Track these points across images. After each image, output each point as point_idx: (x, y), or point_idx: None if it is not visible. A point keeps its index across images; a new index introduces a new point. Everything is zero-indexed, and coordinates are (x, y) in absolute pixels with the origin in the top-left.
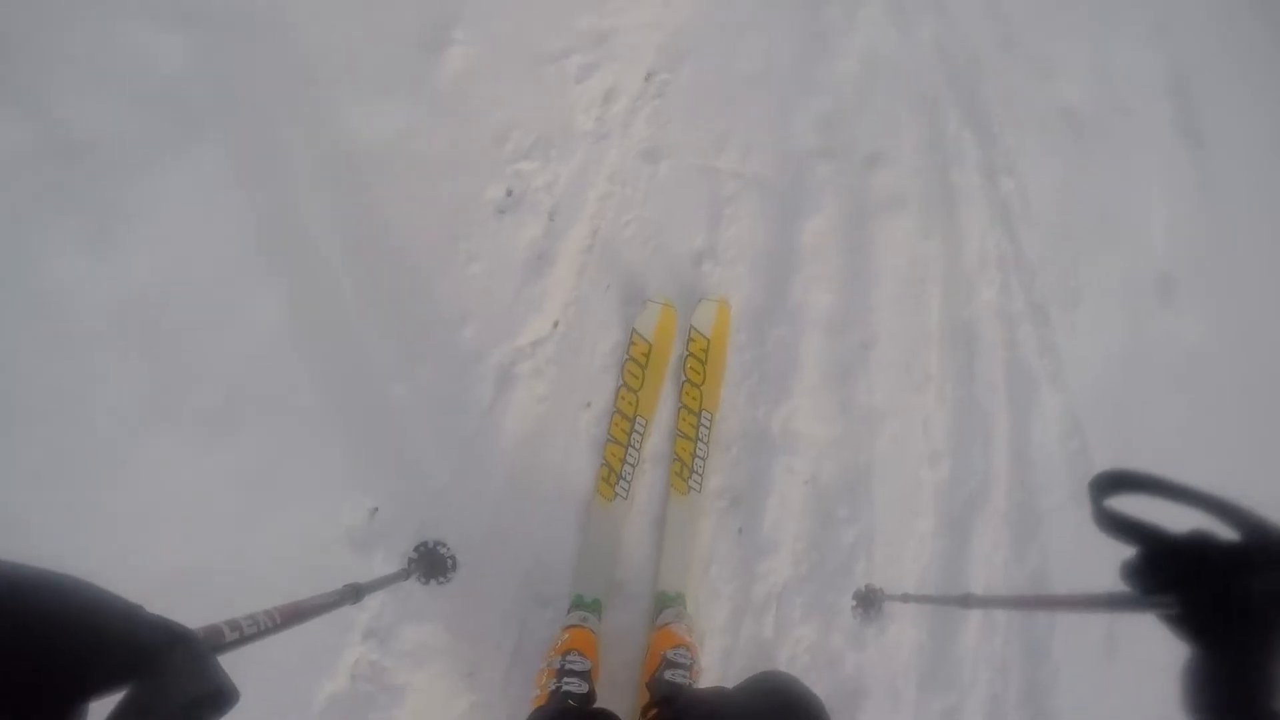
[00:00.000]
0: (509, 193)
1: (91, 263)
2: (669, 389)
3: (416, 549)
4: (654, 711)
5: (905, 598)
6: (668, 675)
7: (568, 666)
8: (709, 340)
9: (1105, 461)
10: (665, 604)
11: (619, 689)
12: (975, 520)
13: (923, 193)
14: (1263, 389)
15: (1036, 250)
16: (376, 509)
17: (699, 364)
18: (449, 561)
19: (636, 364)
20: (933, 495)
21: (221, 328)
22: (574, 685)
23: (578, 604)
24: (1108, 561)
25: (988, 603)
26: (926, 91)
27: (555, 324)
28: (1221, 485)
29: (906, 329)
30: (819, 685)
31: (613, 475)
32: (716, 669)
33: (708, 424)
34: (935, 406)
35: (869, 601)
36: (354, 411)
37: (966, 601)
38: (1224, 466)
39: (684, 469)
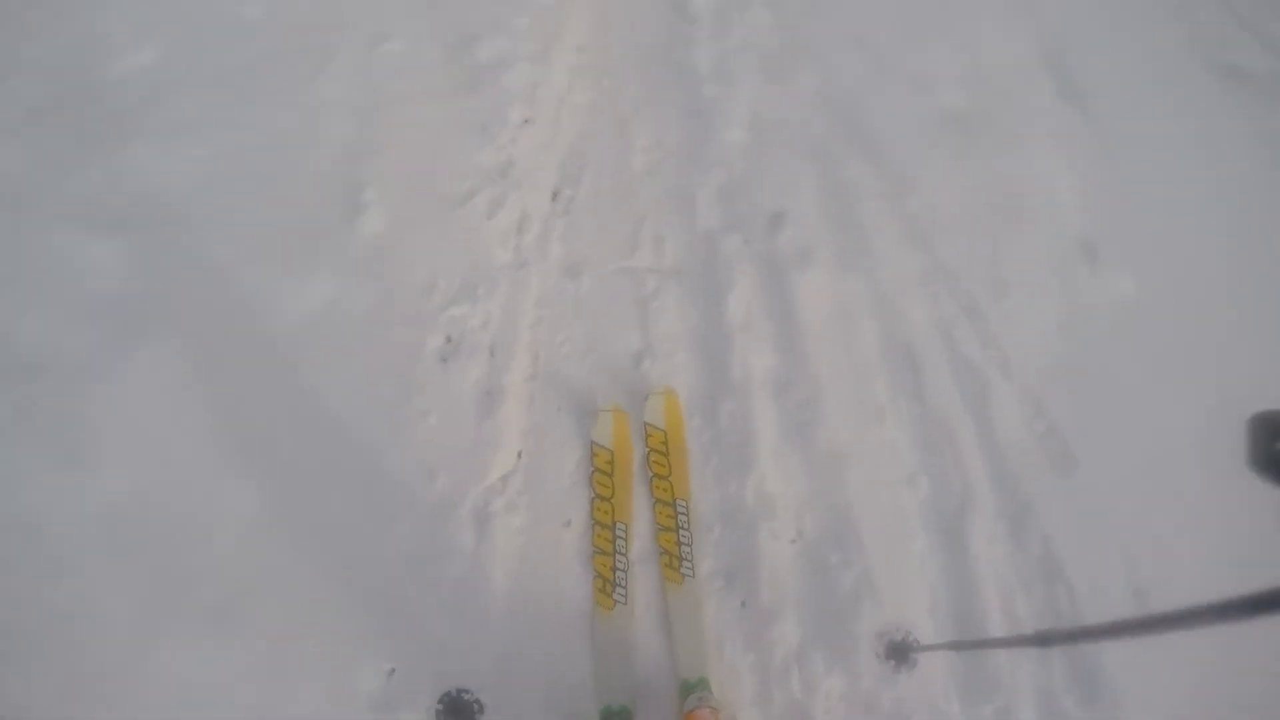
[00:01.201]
0: (448, 339)
1: (67, 479)
2: (640, 489)
3: (440, 700)
4: None
5: (956, 645)
6: None
7: None
8: (665, 432)
9: (1075, 433)
10: (690, 691)
11: None
12: (966, 525)
13: (833, 235)
14: (1199, 326)
15: (955, 254)
16: (393, 670)
17: (662, 456)
18: (475, 706)
19: (603, 473)
20: (918, 514)
21: (203, 524)
22: None
23: (606, 715)
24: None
25: (1075, 637)
26: (816, 137)
27: (519, 454)
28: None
29: (849, 367)
30: (854, 705)
31: (607, 584)
32: None
33: (684, 511)
34: (896, 431)
35: (902, 653)
36: (348, 582)
37: (1046, 640)
38: (1181, 400)
39: (673, 559)
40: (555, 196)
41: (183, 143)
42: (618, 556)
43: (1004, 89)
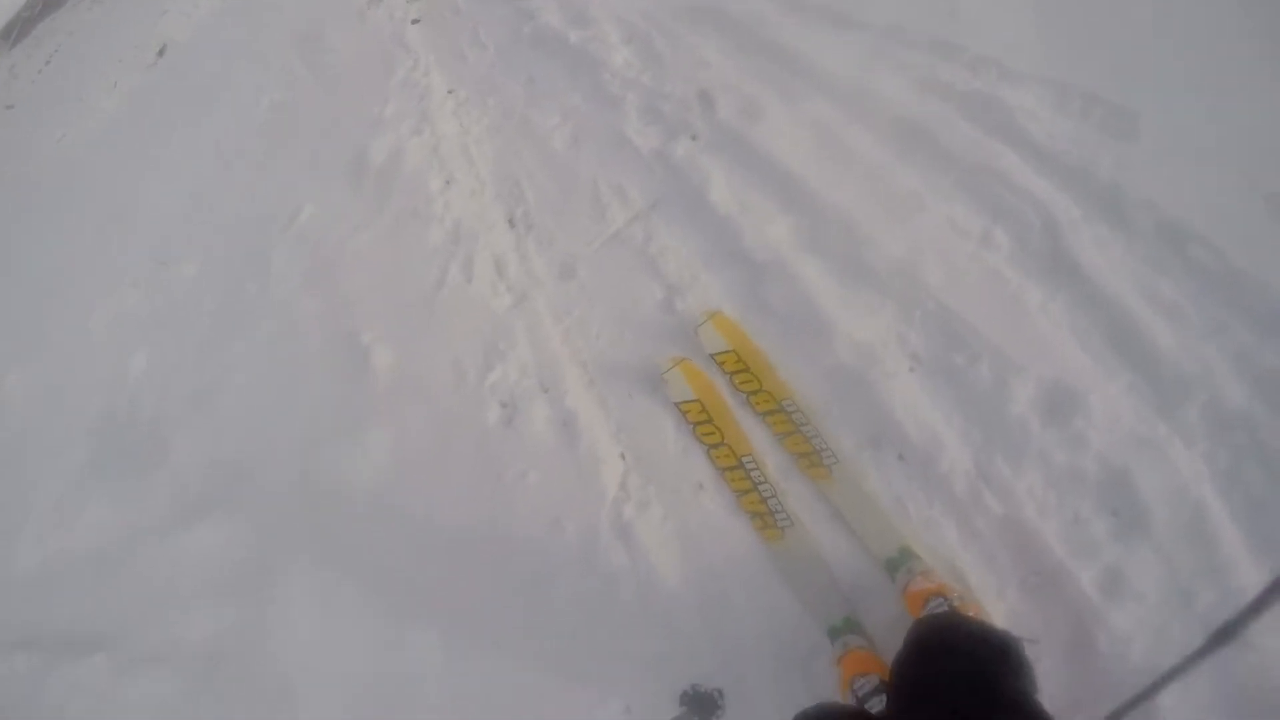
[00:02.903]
0: (502, 404)
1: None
2: (744, 414)
3: (682, 702)
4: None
5: None
6: None
7: (858, 694)
8: (734, 350)
9: (1114, 89)
10: (897, 567)
11: None
12: (1067, 247)
13: (762, 73)
14: None
15: (886, 8)
16: (629, 707)
17: (745, 374)
18: (715, 695)
19: (703, 423)
20: (1014, 267)
21: (408, 674)
22: (877, 705)
23: (834, 634)
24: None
25: None
26: (689, 4)
27: (621, 456)
28: None
29: (862, 179)
30: (1058, 485)
31: (767, 517)
32: (990, 577)
33: (795, 408)
34: (942, 205)
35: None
36: (550, 655)
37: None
38: None
39: (812, 457)
40: (512, 223)
41: (210, 413)
42: (761, 487)
43: None
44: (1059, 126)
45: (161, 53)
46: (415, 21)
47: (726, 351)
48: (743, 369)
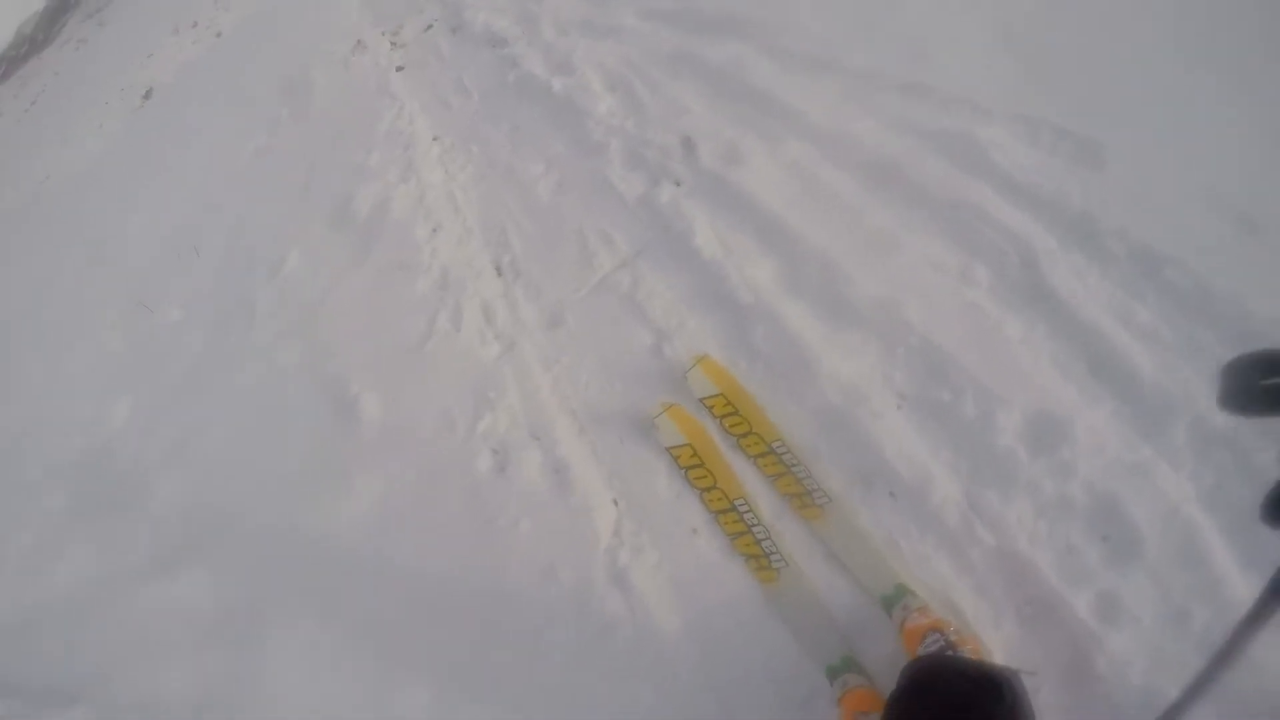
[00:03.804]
0: (493, 452)
1: None
2: (735, 457)
3: None
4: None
5: None
6: None
7: None
8: (722, 393)
9: (1080, 122)
10: (893, 604)
11: None
12: (1044, 278)
13: (742, 118)
14: None
15: (863, 55)
16: None
17: (734, 417)
18: None
19: (694, 467)
20: (993, 300)
21: None
22: None
23: (833, 673)
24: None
25: None
26: (669, 53)
27: (614, 502)
28: None
29: (840, 218)
30: (1049, 514)
31: (761, 559)
32: (986, 608)
33: (784, 449)
34: (921, 242)
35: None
36: (541, 692)
37: None
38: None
39: (804, 497)
40: (499, 270)
41: (193, 459)
42: (755, 529)
43: None
44: (1030, 160)
45: (148, 95)
46: (400, 69)
47: (715, 395)
48: (732, 412)
